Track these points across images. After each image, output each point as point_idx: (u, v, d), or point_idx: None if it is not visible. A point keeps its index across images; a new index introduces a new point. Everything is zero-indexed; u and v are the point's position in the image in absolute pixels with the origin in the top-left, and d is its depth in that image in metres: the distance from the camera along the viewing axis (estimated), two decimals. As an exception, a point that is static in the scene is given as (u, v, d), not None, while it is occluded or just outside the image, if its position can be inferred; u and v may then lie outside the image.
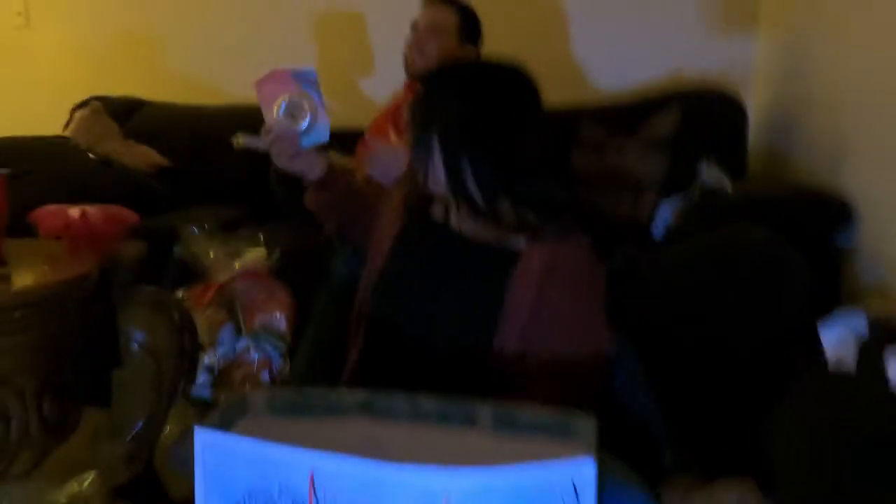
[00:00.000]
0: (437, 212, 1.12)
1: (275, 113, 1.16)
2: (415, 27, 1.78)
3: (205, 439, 0.71)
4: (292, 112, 1.16)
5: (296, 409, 0.85)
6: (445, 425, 0.84)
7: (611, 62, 2.26)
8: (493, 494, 0.65)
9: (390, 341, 1.07)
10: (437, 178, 1.02)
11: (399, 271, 1.09)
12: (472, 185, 1.00)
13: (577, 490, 0.67)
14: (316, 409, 0.85)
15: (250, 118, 2.23)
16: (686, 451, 1.07)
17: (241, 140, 1.23)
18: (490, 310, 0.96)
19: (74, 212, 1.00)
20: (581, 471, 0.67)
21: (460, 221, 1.06)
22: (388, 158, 1.59)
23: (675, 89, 2.01)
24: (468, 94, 1.03)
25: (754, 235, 1.33)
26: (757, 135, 2.13)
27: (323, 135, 1.18)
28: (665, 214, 1.56)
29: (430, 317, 1.01)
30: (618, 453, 0.92)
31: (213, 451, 0.72)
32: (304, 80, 1.18)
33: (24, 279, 0.78)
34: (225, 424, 0.79)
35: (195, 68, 2.69)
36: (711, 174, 1.63)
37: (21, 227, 1.10)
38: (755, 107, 2.15)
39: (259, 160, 2.00)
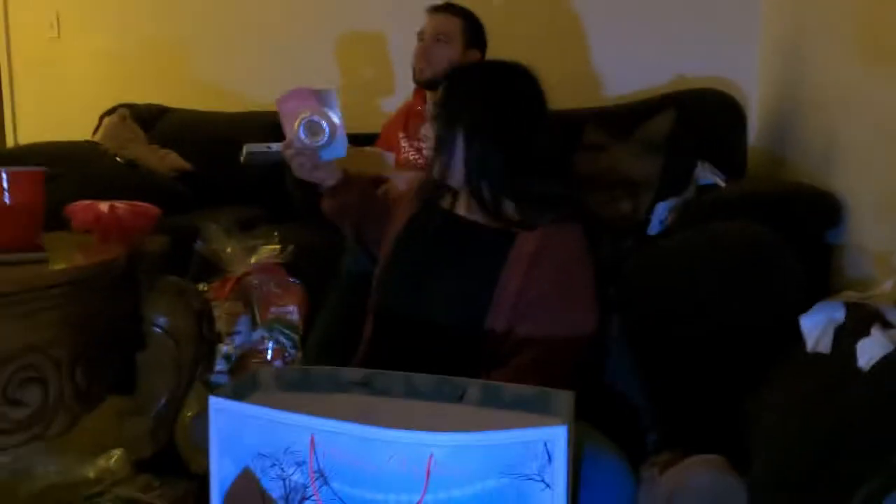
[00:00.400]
0: (444, 201, 1.19)
1: (296, 128, 1.22)
2: (421, 36, 1.84)
3: (218, 406, 0.80)
4: (312, 129, 1.22)
5: (301, 385, 0.92)
6: (436, 400, 0.92)
7: (615, 67, 2.32)
8: (474, 451, 0.73)
9: (395, 330, 1.13)
10: (456, 170, 1.10)
11: (403, 255, 1.17)
12: (486, 179, 1.08)
13: (550, 453, 0.74)
14: (319, 385, 0.92)
15: (268, 124, 2.35)
16: (669, 431, 1.13)
17: (246, 154, 1.31)
18: (484, 289, 1.03)
19: (104, 206, 1.09)
20: (554, 436, 0.74)
21: (466, 210, 1.14)
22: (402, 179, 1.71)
23: (675, 92, 2.06)
24: (491, 94, 1.12)
25: (744, 230, 1.37)
26: (758, 136, 2.19)
27: (340, 150, 1.25)
28: (661, 213, 1.62)
29: (429, 295, 1.08)
30: (605, 431, 0.99)
31: (226, 417, 0.80)
32: (325, 99, 1.24)
33: (59, 263, 0.87)
34: (238, 397, 0.87)
35: (216, 77, 2.80)
36: (707, 174, 1.69)
37: (55, 224, 1.20)
38: (757, 108, 2.21)
39: (277, 165, 2.13)
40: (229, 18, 2.76)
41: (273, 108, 1.91)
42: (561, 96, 2.15)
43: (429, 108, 1.74)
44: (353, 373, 0.93)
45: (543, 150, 1.12)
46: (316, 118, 1.21)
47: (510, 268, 1.04)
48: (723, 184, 1.68)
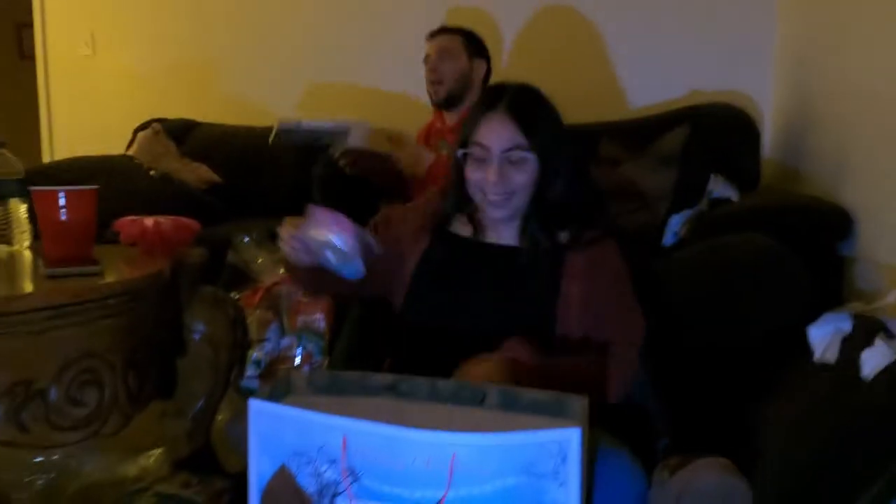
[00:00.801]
0: (460, 229, 1.19)
1: (317, 236, 1.08)
2: (427, 59, 1.92)
3: (257, 408, 0.86)
4: (333, 252, 1.07)
5: (331, 388, 0.98)
6: (458, 404, 0.98)
7: (631, 81, 2.36)
8: (494, 451, 0.78)
9: (425, 351, 1.14)
10: (512, 189, 1.09)
11: (434, 292, 1.15)
12: (549, 204, 1.11)
13: (564, 453, 0.80)
14: (348, 389, 0.98)
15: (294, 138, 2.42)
16: (680, 436, 1.18)
17: (277, 132, 1.29)
18: (548, 306, 1.08)
19: (149, 221, 1.16)
20: (568, 437, 0.79)
21: (497, 235, 1.16)
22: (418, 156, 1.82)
23: (690, 107, 2.09)
24: (551, 115, 1.14)
25: (754, 242, 1.40)
26: (773, 148, 2.22)
27: (354, 274, 1.09)
28: (675, 225, 1.67)
29: (482, 322, 1.10)
30: (618, 435, 1.04)
31: (264, 418, 0.86)
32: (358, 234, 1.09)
33: (113, 275, 0.95)
34: (273, 399, 0.93)
35: (242, 93, 2.89)
36: (720, 187, 1.73)
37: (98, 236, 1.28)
38: (772, 122, 2.25)
39: (303, 177, 2.21)
40: (254, 38, 2.85)
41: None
42: (577, 110, 2.23)
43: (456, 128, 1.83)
44: (381, 377, 0.99)
45: (585, 170, 1.19)
46: (343, 246, 1.07)
47: (567, 284, 1.09)
48: (735, 197, 1.72)
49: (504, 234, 1.16)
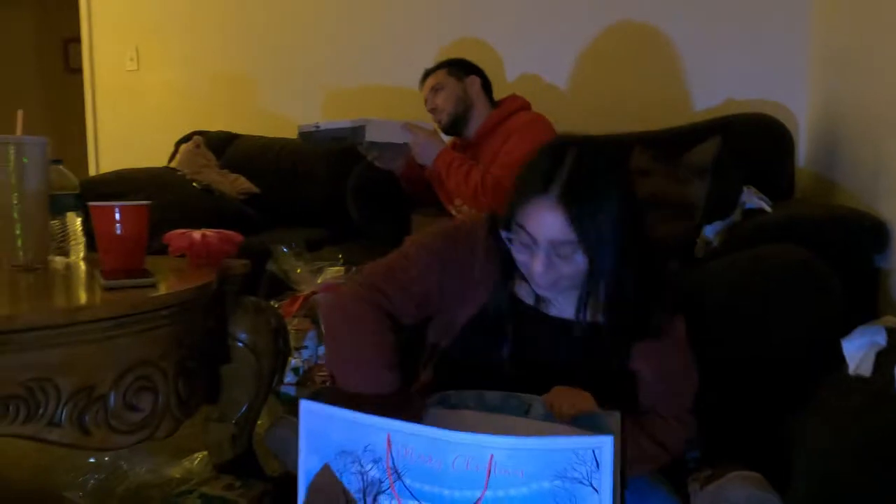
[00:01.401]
0: (522, 287, 1.08)
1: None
2: (425, 101, 2.04)
3: (307, 407, 0.90)
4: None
5: None
6: (504, 413, 1.01)
7: (664, 91, 2.37)
8: (530, 454, 0.82)
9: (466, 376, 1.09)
10: (559, 278, 0.99)
11: (483, 343, 1.08)
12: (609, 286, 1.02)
13: (598, 460, 0.82)
14: None
15: (330, 149, 2.49)
16: (712, 449, 1.19)
17: (300, 135, 1.45)
18: (613, 381, 1.06)
19: (196, 234, 1.21)
20: (601, 444, 0.82)
21: (559, 304, 1.07)
22: (428, 143, 1.89)
23: (723, 117, 2.10)
24: (610, 196, 0.97)
25: (787, 253, 1.40)
26: (808, 158, 2.21)
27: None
28: (707, 236, 1.67)
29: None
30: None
31: (313, 417, 0.90)
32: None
33: (166, 287, 1.00)
34: None
35: (281, 105, 2.97)
36: (753, 198, 1.73)
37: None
38: (807, 131, 2.24)
39: (337, 187, 2.26)
40: (291, 53, 2.93)
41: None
42: (610, 120, 2.25)
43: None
44: (430, 397, 1.03)
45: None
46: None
47: (640, 360, 1.08)
48: (769, 208, 1.72)
49: (566, 306, 1.07)
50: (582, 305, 1.02)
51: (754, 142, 1.99)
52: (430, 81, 2.02)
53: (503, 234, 1.00)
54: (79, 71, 3.50)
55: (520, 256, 1.00)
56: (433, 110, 2.02)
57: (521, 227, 0.97)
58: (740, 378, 1.31)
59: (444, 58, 2.12)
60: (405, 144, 1.91)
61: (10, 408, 0.81)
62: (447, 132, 2.03)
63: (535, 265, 0.96)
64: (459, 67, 2.02)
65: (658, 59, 2.38)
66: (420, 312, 1.09)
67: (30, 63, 4.88)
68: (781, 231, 1.57)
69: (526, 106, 2.00)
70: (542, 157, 0.99)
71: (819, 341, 1.29)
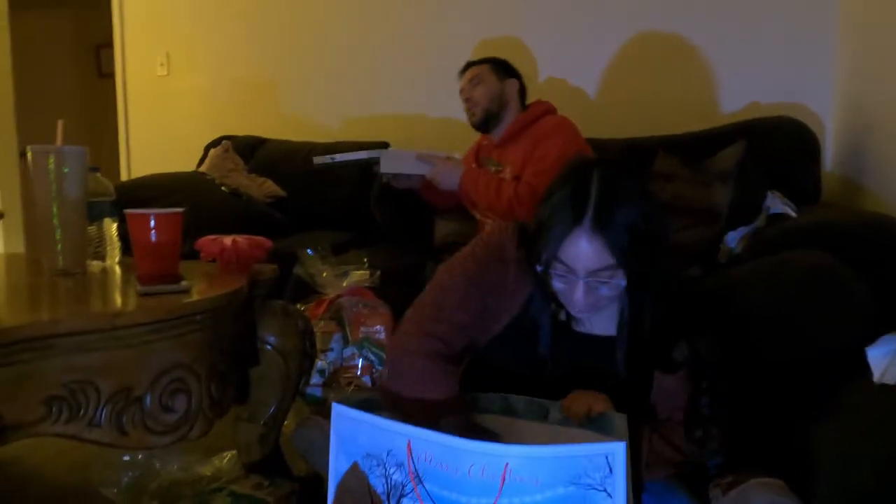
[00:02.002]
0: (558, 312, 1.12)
1: None
2: (462, 90, 2.05)
3: (337, 410, 0.94)
4: None
5: None
6: (527, 418, 1.04)
7: (689, 94, 2.37)
8: (544, 462, 0.84)
9: (495, 378, 1.14)
10: (599, 304, 1.03)
11: (518, 349, 1.12)
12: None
13: (611, 466, 0.84)
14: None
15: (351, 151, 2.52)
16: (734, 455, 1.19)
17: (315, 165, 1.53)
18: (641, 393, 1.11)
19: (227, 240, 1.25)
20: (614, 451, 0.84)
21: (591, 322, 1.12)
22: (448, 170, 1.94)
23: (747, 121, 2.09)
24: (639, 214, 0.99)
25: (812, 258, 1.39)
26: (835, 162, 2.19)
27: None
28: (730, 242, 1.67)
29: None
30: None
31: (343, 420, 0.94)
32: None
33: (199, 292, 1.04)
34: (361, 409, 0.99)
35: (308, 110, 3.01)
36: (777, 203, 1.72)
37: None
38: (834, 134, 2.22)
39: (362, 191, 2.30)
40: (318, 58, 2.98)
41: (354, 139, 2.13)
42: (634, 124, 2.26)
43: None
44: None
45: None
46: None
47: (662, 380, 1.11)
48: (794, 213, 1.71)
49: (597, 323, 1.12)
50: (624, 323, 1.06)
51: (779, 145, 1.98)
52: (472, 73, 2.04)
53: (538, 268, 1.02)
54: (110, 76, 3.58)
55: (558, 285, 1.02)
56: (468, 100, 2.03)
57: (561, 261, 0.99)
58: (763, 383, 1.31)
59: (475, 56, 2.15)
60: (419, 177, 1.99)
61: (54, 408, 0.85)
62: (476, 127, 2.05)
63: (575, 295, 0.99)
64: (502, 67, 2.04)
65: (682, 63, 2.38)
66: (470, 335, 1.13)
67: (63, 68, 5.00)
68: (807, 237, 1.55)
69: (551, 110, 2.02)
70: (567, 187, 1.00)
71: (843, 348, 1.28)
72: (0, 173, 3.63)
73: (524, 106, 2.04)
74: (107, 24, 3.48)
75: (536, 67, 2.56)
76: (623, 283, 0.99)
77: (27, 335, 0.81)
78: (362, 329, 1.71)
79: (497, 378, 1.10)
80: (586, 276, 0.98)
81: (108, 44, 3.55)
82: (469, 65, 2.08)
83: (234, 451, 1.43)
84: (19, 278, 1.27)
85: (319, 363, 1.71)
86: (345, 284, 1.76)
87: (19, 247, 3.50)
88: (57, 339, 0.84)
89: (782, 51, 2.25)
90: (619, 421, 0.96)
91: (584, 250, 0.96)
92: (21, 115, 3.53)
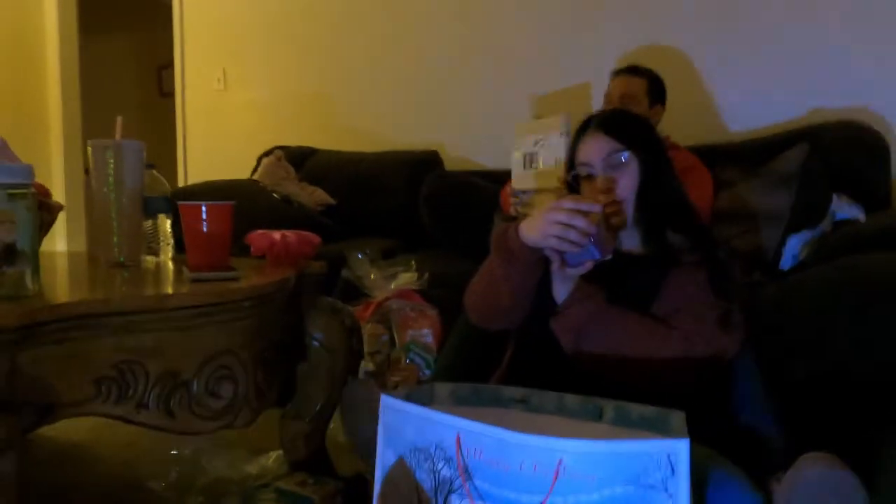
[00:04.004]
0: None
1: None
2: (608, 98, 1.95)
3: (386, 403, 0.91)
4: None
5: (471, 399, 1.00)
6: (581, 418, 0.99)
7: (749, 100, 2.30)
8: (601, 458, 0.79)
9: (539, 363, 1.16)
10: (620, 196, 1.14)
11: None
12: (660, 198, 1.15)
13: (673, 465, 0.79)
14: (485, 400, 1.00)
15: (401, 162, 2.56)
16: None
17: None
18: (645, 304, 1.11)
19: (276, 235, 1.26)
20: (677, 448, 0.78)
21: (626, 244, 1.18)
22: None
23: (810, 125, 2.02)
24: (642, 123, 1.23)
25: (880, 262, 1.33)
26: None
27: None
28: (793, 247, 1.60)
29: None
30: (733, 460, 1.01)
31: (391, 412, 0.91)
32: None
33: (248, 280, 1.04)
34: (410, 402, 0.96)
35: (357, 121, 3.05)
36: (844, 207, 1.64)
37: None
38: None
39: (410, 199, 2.30)
40: (366, 71, 3.02)
41: (405, 147, 2.03)
42: (694, 131, 2.19)
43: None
44: (514, 391, 1.01)
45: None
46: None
47: (667, 291, 1.11)
48: (862, 218, 1.63)
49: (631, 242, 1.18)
50: (639, 227, 1.15)
51: (846, 150, 1.90)
52: (628, 86, 1.94)
53: (570, 176, 1.19)
54: (171, 95, 3.71)
55: (587, 194, 1.15)
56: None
57: (580, 163, 1.16)
58: (828, 390, 1.24)
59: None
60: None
61: (103, 388, 0.86)
62: None
63: (601, 185, 1.12)
64: (658, 91, 1.97)
65: (739, 69, 2.31)
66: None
67: (128, 88, 5.22)
68: (876, 241, 1.49)
69: (674, 146, 1.92)
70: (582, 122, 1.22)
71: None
72: (70, 186, 3.80)
73: None
74: (168, 46, 3.62)
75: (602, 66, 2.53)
76: (635, 165, 1.13)
77: (79, 313, 0.82)
78: (409, 332, 1.70)
79: (538, 364, 1.10)
80: (601, 162, 1.14)
81: (170, 64, 3.69)
82: (630, 69, 1.96)
83: (279, 451, 1.43)
84: (77, 270, 1.30)
85: (367, 367, 1.70)
86: (392, 287, 1.75)
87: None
88: (108, 318, 0.84)
89: (844, 54, 2.17)
90: (677, 419, 0.90)
91: (591, 143, 1.16)
92: (88, 135, 3.69)
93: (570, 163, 1.20)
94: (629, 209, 1.14)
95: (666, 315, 1.09)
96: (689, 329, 1.05)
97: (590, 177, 1.16)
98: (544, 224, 1.01)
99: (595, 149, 1.15)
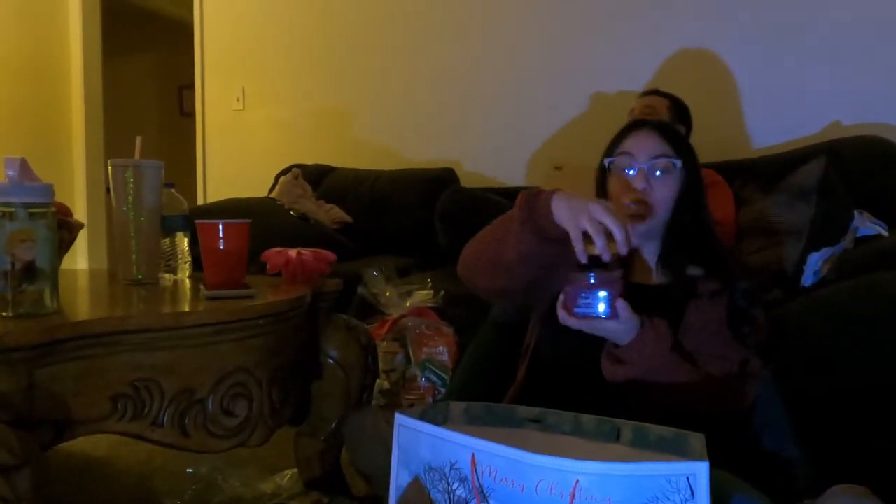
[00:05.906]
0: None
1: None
2: (631, 114, 1.96)
3: (400, 421, 0.90)
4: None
5: (484, 419, 1.00)
6: (598, 439, 0.97)
7: (767, 116, 2.29)
8: (619, 480, 0.77)
9: (555, 374, 1.15)
10: (653, 202, 1.10)
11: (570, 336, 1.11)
12: (688, 222, 1.13)
13: (693, 487, 0.77)
14: (499, 420, 0.99)
15: (416, 179, 2.56)
16: (818, 482, 1.10)
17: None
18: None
19: (292, 252, 1.27)
20: (696, 470, 0.77)
21: (642, 273, 1.16)
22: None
23: (830, 141, 2.00)
24: (689, 142, 1.20)
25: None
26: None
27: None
28: (814, 263, 1.57)
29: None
30: (753, 484, 0.99)
31: (405, 431, 0.90)
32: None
33: (263, 298, 1.05)
34: (423, 420, 0.95)
35: (373, 138, 3.08)
36: (866, 223, 1.62)
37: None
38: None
39: (426, 217, 2.30)
40: (384, 88, 3.05)
41: (422, 163, 2.03)
42: (712, 148, 2.18)
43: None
44: (528, 410, 1.00)
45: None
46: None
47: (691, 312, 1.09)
48: (885, 233, 1.60)
49: (641, 268, 1.16)
50: (664, 247, 1.13)
51: (866, 165, 1.88)
52: (650, 101, 1.95)
53: (606, 161, 1.15)
54: (191, 114, 3.77)
55: (615, 187, 1.12)
56: None
57: (623, 152, 1.13)
58: (850, 407, 1.22)
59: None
60: None
61: (119, 405, 0.86)
62: None
63: (635, 182, 1.09)
64: (681, 112, 1.97)
65: (761, 85, 2.30)
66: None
67: (149, 109, 5.32)
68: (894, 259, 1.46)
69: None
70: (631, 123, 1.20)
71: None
72: (92, 205, 3.86)
73: None
74: (189, 66, 3.68)
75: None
76: (678, 177, 1.11)
77: (96, 330, 0.83)
78: (425, 350, 1.69)
79: (555, 379, 1.08)
80: (647, 162, 1.10)
81: (190, 84, 3.74)
82: (654, 92, 1.99)
83: (294, 470, 1.42)
84: (96, 287, 1.31)
85: (383, 385, 1.69)
86: (408, 304, 1.75)
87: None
88: (125, 336, 0.85)
89: (861, 69, 2.15)
90: (697, 441, 0.89)
91: (643, 139, 1.12)
92: (110, 154, 3.75)
93: (609, 149, 1.16)
94: (661, 215, 1.11)
95: (690, 350, 1.06)
96: (715, 368, 1.04)
97: (622, 172, 1.11)
98: (581, 214, 0.95)
99: (647, 145, 1.11)
